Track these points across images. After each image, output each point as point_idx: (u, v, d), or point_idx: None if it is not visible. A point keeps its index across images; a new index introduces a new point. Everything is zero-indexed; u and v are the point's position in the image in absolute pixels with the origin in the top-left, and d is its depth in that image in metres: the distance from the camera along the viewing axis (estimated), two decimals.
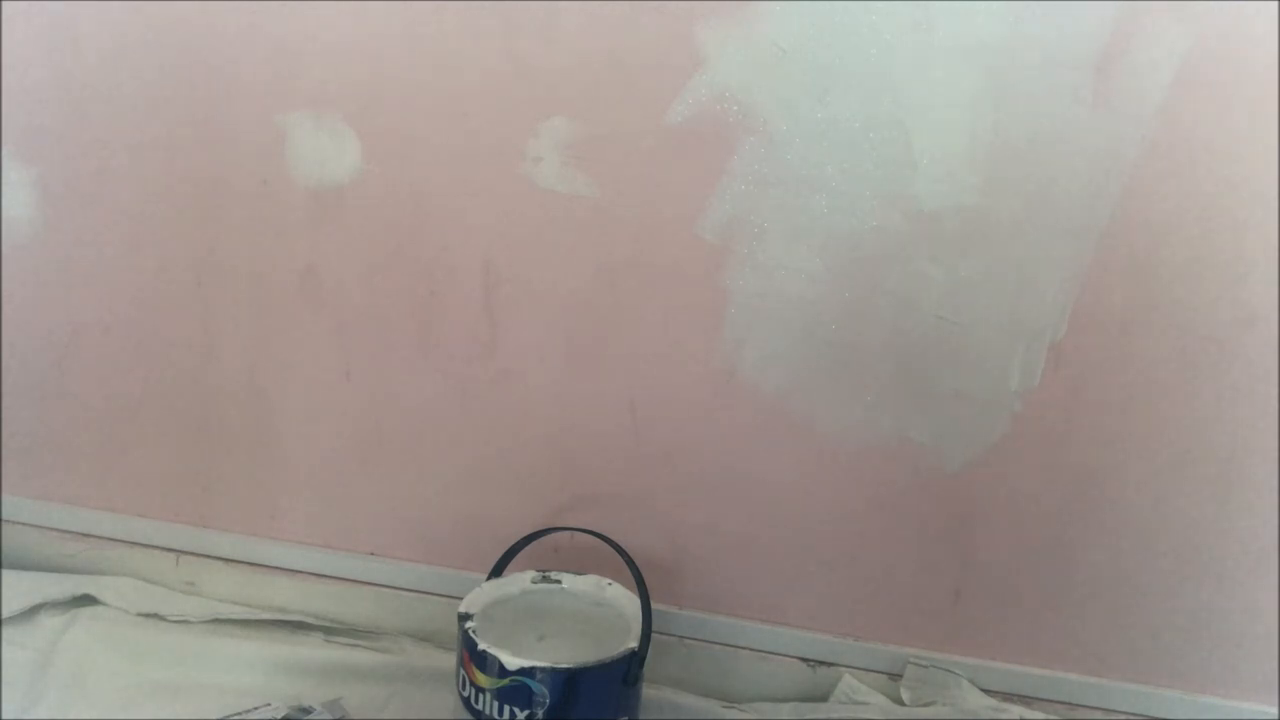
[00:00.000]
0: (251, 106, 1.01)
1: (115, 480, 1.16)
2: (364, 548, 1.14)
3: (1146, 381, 0.96)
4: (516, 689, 0.86)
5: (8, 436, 1.16)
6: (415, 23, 0.97)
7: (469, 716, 0.89)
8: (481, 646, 0.87)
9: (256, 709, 0.98)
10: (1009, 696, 1.05)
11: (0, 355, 1.13)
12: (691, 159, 0.96)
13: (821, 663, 1.08)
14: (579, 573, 1.01)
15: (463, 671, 0.90)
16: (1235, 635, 1.01)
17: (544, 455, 1.07)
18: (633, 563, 0.94)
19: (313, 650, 1.09)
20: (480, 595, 0.96)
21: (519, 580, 1.00)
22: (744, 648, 1.09)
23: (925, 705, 1.04)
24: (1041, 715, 1.04)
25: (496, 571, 0.99)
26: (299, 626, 1.11)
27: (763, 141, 0.94)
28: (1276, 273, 0.91)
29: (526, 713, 0.86)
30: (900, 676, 1.06)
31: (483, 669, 0.87)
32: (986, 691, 1.05)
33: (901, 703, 1.05)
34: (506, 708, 0.87)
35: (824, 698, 1.07)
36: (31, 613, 1.09)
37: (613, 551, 0.96)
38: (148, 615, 1.10)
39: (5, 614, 1.07)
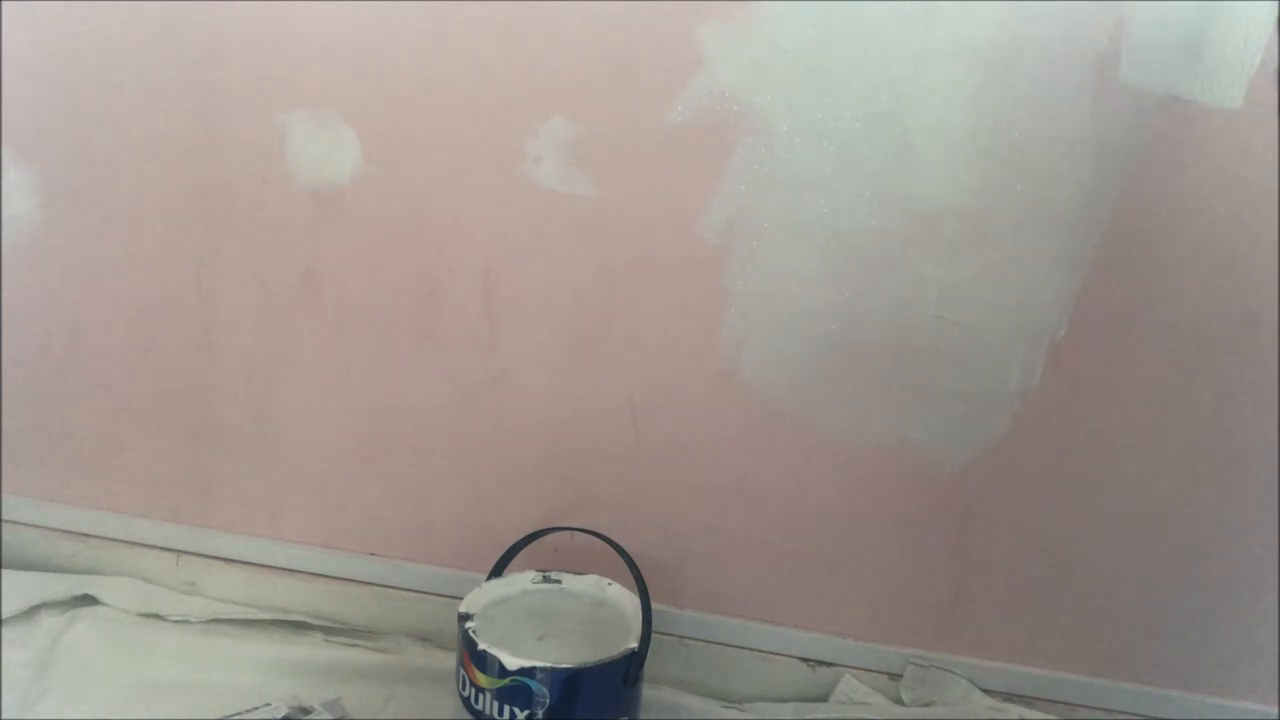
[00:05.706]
0: (251, 106, 1.01)
1: (115, 480, 1.16)
2: (364, 548, 1.14)
3: (1146, 381, 0.96)
4: (516, 689, 0.86)
5: (8, 436, 1.16)
6: (415, 23, 0.97)
7: (469, 716, 0.89)
8: (481, 646, 0.87)
9: (256, 709, 0.98)
10: (1009, 696, 1.05)
11: (0, 355, 1.13)
12: (691, 159, 0.96)
13: (821, 663, 1.08)
14: (579, 573, 1.01)
15: (463, 671, 0.90)
16: (1235, 635, 1.01)
17: (544, 455, 1.07)
18: (633, 563, 0.94)
19: (313, 650, 1.09)
20: (480, 595, 0.96)
21: (519, 580, 1.00)
22: (744, 648, 1.08)
23: (925, 705, 1.04)
24: (1041, 715, 1.04)
25: (496, 571, 0.99)
26: (299, 626, 1.11)
27: (763, 141, 0.94)
28: (1276, 273, 0.91)
29: (526, 713, 0.86)
30: (900, 676, 1.06)
31: (483, 669, 0.87)
32: (986, 691, 1.05)
33: (901, 703, 1.05)
34: (506, 708, 0.86)
35: (824, 698, 1.07)
36: (31, 613, 1.09)
37: (613, 551, 0.96)
38: (148, 615, 1.10)
39: (5, 614, 1.07)
